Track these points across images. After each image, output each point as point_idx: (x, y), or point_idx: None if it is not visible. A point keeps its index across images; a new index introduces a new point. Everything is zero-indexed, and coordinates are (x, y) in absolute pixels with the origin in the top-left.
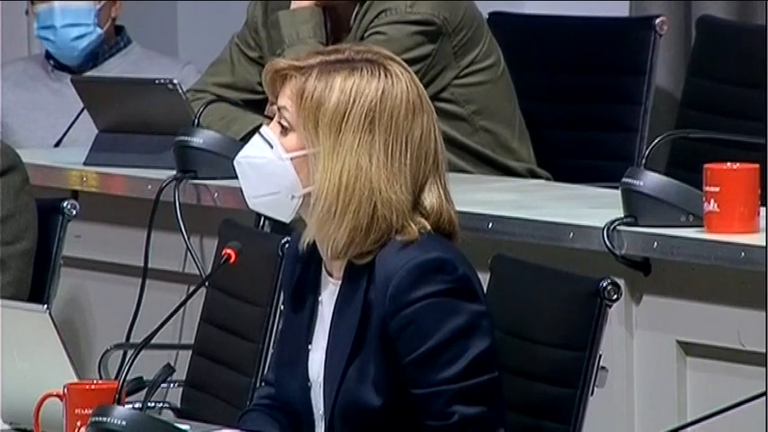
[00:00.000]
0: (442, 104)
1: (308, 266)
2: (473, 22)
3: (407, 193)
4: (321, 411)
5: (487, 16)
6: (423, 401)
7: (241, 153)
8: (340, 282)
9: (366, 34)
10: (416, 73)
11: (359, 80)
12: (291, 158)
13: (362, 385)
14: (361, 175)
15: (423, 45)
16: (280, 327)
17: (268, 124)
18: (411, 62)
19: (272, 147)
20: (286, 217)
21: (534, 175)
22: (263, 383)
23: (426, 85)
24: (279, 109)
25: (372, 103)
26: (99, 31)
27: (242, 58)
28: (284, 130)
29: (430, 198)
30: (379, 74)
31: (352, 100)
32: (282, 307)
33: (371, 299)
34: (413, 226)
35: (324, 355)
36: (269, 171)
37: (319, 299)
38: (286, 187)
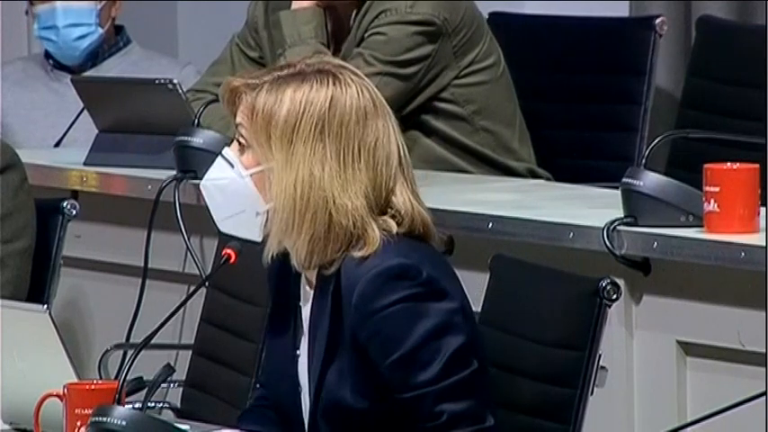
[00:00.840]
0: (443, 104)
1: (289, 276)
2: (473, 22)
3: (363, 198)
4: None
5: (487, 16)
6: (410, 405)
7: (206, 176)
8: (313, 291)
9: (366, 35)
10: (416, 73)
11: (308, 90)
12: (251, 175)
13: (343, 388)
14: (314, 184)
15: (423, 45)
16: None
17: None
18: (411, 62)
19: (232, 166)
20: (256, 235)
21: (534, 175)
22: (257, 385)
23: (426, 86)
24: (237, 126)
25: (321, 112)
26: (100, 30)
27: (242, 58)
28: (242, 148)
29: (400, 201)
30: (328, 82)
31: (301, 110)
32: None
33: (341, 307)
34: (375, 230)
35: (307, 361)
36: (232, 191)
37: (300, 306)
38: (250, 205)
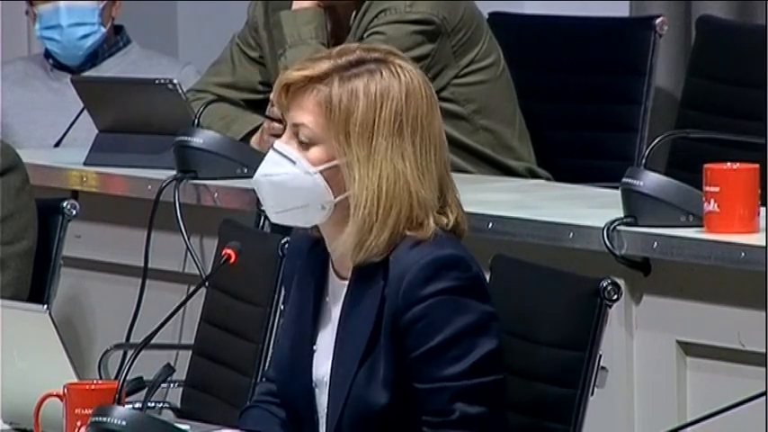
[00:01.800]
0: (443, 104)
1: (312, 266)
2: (472, 21)
3: (436, 189)
4: (325, 411)
5: (487, 16)
6: (424, 396)
7: (259, 172)
8: (348, 281)
9: (366, 34)
10: None
11: (380, 83)
12: (321, 171)
13: (371, 386)
14: (399, 180)
15: (422, 45)
16: (280, 325)
17: (269, 128)
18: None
19: (293, 162)
20: (309, 224)
21: (534, 175)
22: (263, 379)
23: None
24: (295, 125)
25: (399, 106)
26: (103, 30)
27: (243, 58)
28: (306, 145)
29: (450, 193)
30: (397, 74)
31: (379, 105)
32: (282, 306)
33: (386, 296)
34: (432, 223)
35: (330, 356)
36: (296, 186)
37: (326, 299)
38: (316, 199)
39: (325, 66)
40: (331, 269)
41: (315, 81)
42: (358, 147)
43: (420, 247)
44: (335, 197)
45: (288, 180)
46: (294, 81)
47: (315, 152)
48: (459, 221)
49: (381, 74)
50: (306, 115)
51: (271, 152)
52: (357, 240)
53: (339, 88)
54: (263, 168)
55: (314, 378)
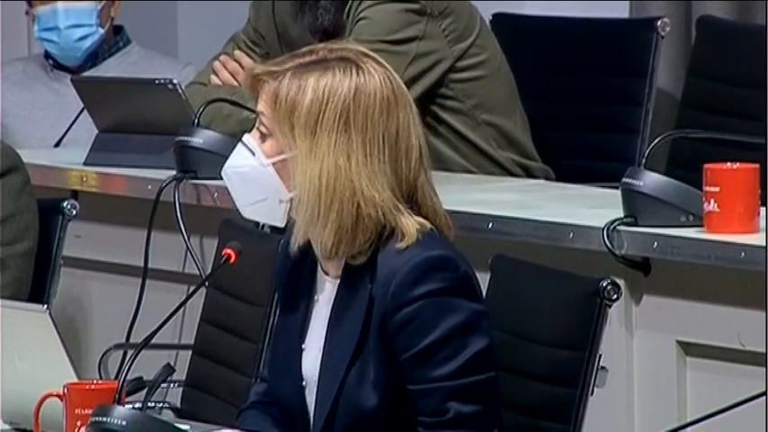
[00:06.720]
0: (444, 101)
1: (303, 265)
2: (462, 11)
3: (389, 191)
4: (314, 410)
5: (490, 17)
6: (418, 397)
7: (227, 163)
8: (338, 281)
9: (352, 24)
10: (408, 52)
11: (331, 79)
12: (273, 164)
13: (362, 387)
14: (340, 176)
15: (410, 25)
16: (274, 324)
17: None
18: (401, 42)
19: (254, 154)
20: (279, 221)
21: (528, 172)
22: (257, 379)
23: (426, 71)
24: (258, 115)
25: (346, 103)
26: (101, 31)
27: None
28: (263, 137)
29: (423, 196)
30: (352, 71)
31: (325, 100)
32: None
33: (374, 298)
34: (409, 223)
35: (319, 355)
36: (254, 178)
37: (315, 298)
38: (272, 193)
39: (288, 63)
40: (320, 267)
41: (271, 75)
42: (301, 141)
43: (409, 248)
44: (289, 193)
45: (246, 172)
46: (255, 74)
47: (268, 144)
48: (439, 221)
49: (335, 71)
50: (262, 105)
51: (238, 144)
52: (305, 237)
53: (289, 82)
54: (229, 160)
55: (304, 376)
